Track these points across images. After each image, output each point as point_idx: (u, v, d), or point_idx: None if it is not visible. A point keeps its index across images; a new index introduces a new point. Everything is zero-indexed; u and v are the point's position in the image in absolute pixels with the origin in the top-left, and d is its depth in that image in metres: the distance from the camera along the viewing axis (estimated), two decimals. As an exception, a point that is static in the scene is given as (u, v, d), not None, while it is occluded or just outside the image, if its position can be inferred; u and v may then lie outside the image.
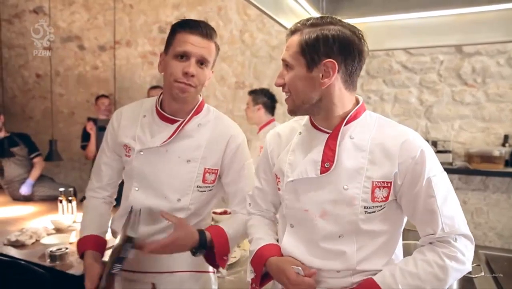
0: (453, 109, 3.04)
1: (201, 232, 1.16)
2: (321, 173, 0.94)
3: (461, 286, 1.36)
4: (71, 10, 4.47)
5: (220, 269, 1.53)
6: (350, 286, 0.96)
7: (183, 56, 1.12)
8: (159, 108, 1.23)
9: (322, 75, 0.91)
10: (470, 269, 0.93)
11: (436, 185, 0.91)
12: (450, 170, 2.86)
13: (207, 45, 1.14)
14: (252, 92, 2.94)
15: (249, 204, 1.18)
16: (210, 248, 1.17)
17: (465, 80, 2.99)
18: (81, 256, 1.23)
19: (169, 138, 1.18)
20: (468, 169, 2.83)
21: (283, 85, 0.97)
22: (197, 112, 1.23)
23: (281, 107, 3.19)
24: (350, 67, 0.93)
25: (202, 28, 1.14)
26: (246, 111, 2.96)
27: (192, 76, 1.12)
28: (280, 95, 3.54)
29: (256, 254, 1.07)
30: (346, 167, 0.93)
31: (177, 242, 1.12)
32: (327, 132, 0.97)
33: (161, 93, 1.24)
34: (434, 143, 2.98)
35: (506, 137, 2.88)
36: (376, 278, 0.93)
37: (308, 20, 0.94)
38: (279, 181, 1.05)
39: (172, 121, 1.21)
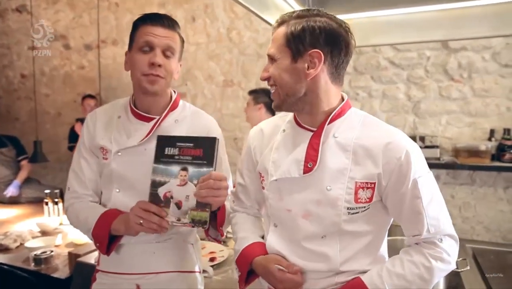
0: (440, 105, 3.06)
1: None
2: (304, 173, 0.93)
3: (448, 280, 1.36)
4: (55, 8, 4.39)
5: (208, 269, 1.52)
6: (335, 286, 0.96)
7: (147, 48, 1.11)
8: (133, 107, 1.21)
9: (308, 66, 0.90)
10: (454, 267, 0.94)
11: (422, 186, 0.90)
12: (438, 165, 2.88)
13: (171, 35, 1.14)
14: (253, 92, 2.90)
15: (233, 201, 1.17)
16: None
17: (451, 75, 3.01)
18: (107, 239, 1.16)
19: (146, 136, 1.16)
20: (455, 163, 2.85)
21: (268, 78, 0.96)
22: (173, 108, 1.22)
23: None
24: (337, 59, 0.91)
25: (163, 20, 1.13)
26: (246, 110, 2.91)
27: (159, 66, 1.11)
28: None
29: (241, 254, 1.06)
30: (329, 167, 0.92)
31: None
32: (311, 130, 0.96)
33: (133, 93, 1.23)
34: (422, 139, 2.99)
35: (492, 131, 2.91)
36: (364, 278, 0.93)
37: (294, 12, 0.93)
38: (263, 179, 1.04)
39: (148, 119, 1.19)
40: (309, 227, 0.95)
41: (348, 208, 0.91)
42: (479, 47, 2.91)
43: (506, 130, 2.83)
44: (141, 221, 1.05)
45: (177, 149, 1.05)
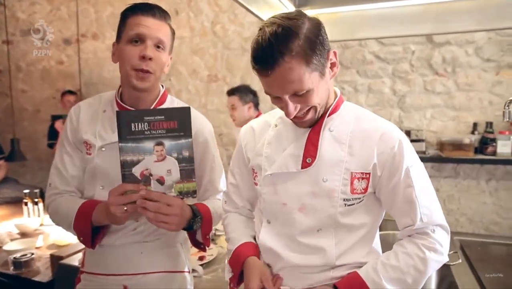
0: (425, 99, 3.09)
1: (190, 205, 1.11)
2: (302, 168, 0.93)
3: (439, 274, 1.37)
4: (30, 0, 4.22)
5: (197, 268, 1.49)
6: (330, 281, 0.95)
7: (138, 39, 1.06)
8: (119, 101, 1.16)
9: (331, 68, 0.89)
10: (448, 259, 0.95)
11: (414, 175, 0.91)
12: (423, 158, 2.90)
13: (162, 27, 1.09)
14: (236, 92, 2.74)
15: (225, 201, 1.16)
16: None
17: (436, 69, 3.04)
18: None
19: None
20: (440, 157, 2.89)
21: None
22: (161, 103, 1.18)
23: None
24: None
25: (155, 10, 1.08)
26: (233, 113, 2.75)
27: (150, 59, 1.06)
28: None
29: (233, 253, 1.05)
30: (325, 160, 0.92)
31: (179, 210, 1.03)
32: (307, 127, 0.95)
33: (120, 86, 1.18)
34: (407, 133, 3.02)
35: (475, 125, 2.96)
36: (360, 272, 0.93)
37: (279, 36, 0.79)
38: (256, 176, 1.03)
39: None
40: (305, 220, 0.94)
41: (344, 199, 0.92)
42: (463, 41, 2.94)
43: (489, 124, 2.88)
44: (125, 208, 0.99)
45: (146, 123, 0.98)
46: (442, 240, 0.93)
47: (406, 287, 0.90)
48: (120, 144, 0.99)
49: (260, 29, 0.83)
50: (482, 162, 2.89)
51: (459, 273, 1.44)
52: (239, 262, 1.02)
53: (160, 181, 1.01)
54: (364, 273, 0.92)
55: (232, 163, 1.14)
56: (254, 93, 2.80)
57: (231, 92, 2.79)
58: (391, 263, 0.91)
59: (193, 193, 1.03)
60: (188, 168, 1.02)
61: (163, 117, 0.99)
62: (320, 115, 0.93)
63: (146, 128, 0.98)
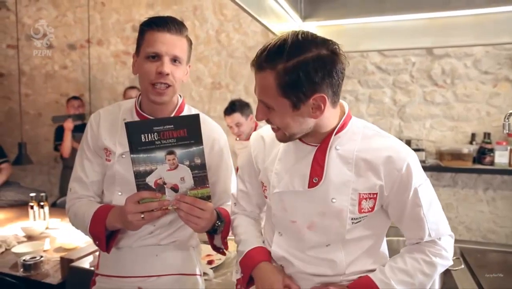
0: (425, 109, 3.16)
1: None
2: (309, 187, 0.94)
3: (442, 279, 1.41)
4: (37, 6, 4.27)
5: (208, 271, 1.52)
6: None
7: (155, 56, 1.09)
8: (139, 109, 1.20)
9: (312, 109, 0.86)
10: (452, 263, 1.00)
11: (422, 194, 0.93)
12: (423, 168, 2.96)
13: (178, 42, 1.11)
14: (236, 109, 2.70)
15: (234, 203, 1.18)
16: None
17: (435, 81, 3.11)
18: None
19: None
20: (439, 166, 2.95)
21: (266, 120, 0.93)
22: (179, 112, 1.22)
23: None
24: (336, 87, 0.88)
25: (170, 25, 1.10)
26: (239, 130, 2.72)
27: (167, 75, 1.09)
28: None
29: (246, 255, 1.07)
30: (333, 180, 0.92)
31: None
32: (314, 145, 0.96)
33: (140, 94, 1.22)
34: (407, 142, 3.08)
35: (473, 135, 3.03)
36: (370, 275, 0.97)
37: (278, 49, 0.83)
38: (265, 189, 1.05)
39: None
40: (314, 237, 0.97)
41: (352, 218, 0.94)
42: (461, 54, 3.03)
43: (487, 134, 2.95)
44: (142, 216, 1.02)
45: (156, 133, 0.98)
46: (447, 247, 0.97)
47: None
48: (132, 156, 0.99)
49: (281, 36, 0.86)
50: (480, 171, 2.96)
51: (461, 279, 1.49)
52: (251, 265, 1.04)
53: (175, 189, 1.02)
54: (373, 275, 0.96)
55: (242, 170, 1.15)
56: (248, 104, 2.81)
57: (231, 111, 2.72)
58: (398, 266, 0.95)
59: (207, 198, 1.04)
60: (201, 174, 1.02)
61: (172, 126, 0.99)
62: (290, 138, 0.93)
63: (156, 138, 0.98)
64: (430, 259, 0.95)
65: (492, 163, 2.88)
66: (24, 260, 1.81)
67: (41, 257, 1.84)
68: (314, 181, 0.92)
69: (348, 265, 0.97)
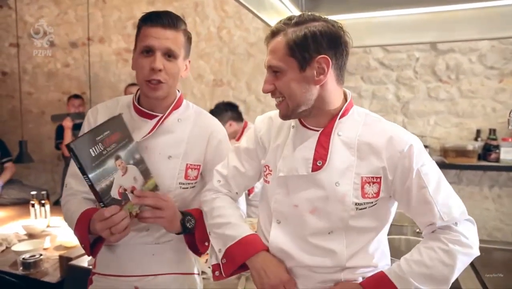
0: (429, 105, 3.12)
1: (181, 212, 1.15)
2: (312, 171, 0.94)
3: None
4: (39, 4, 4.27)
5: (207, 270, 1.50)
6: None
7: (148, 51, 1.08)
8: (136, 104, 1.19)
9: (317, 73, 0.90)
10: (478, 254, 0.92)
11: (426, 175, 0.91)
12: (426, 165, 2.94)
13: (171, 36, 1.09)
14: (213, 114, 2.69)
15: (218, 181, 1.12)
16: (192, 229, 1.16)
17: (439, 76, 3.07)
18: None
19: (149, 133, 1.14)
20: (444, 163, 2.91)
21: (272, 91, 0.95)
22: (176, 107, 1.21)
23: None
24: (340, 61, 0.93)
25: (164, 19, 1.08)
26: None
27: (160, 70, 1.08)
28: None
29: (241, 242, 1.02)
30: (336, 164, 0.93)
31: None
32: (316, 130, 0.97)
33: (138, 89, 1.21)
34: (411, 139, 3.04)
35: (478, 132, 2.98)
36: (385, 271, 0.93)
37: (289, 19, 0.91)
38: (269, 173, 1.03)
39: (151, 117, 1.17)
40: (316, 222, 0.95)
41: (356, 204, 0.92)
42: (466, 49, 2.98)
43: (492, 131, 2.91)
44: (111, 231, 1.00)
45: (100, 144, 0.98)
46: (466, 232, 0.90)
47: (435, 283, 0.88)
48: (90, 175, 0.95)
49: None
50: (485, 168, 2.91)
51: (463, 277, 1.46)
52: (249, 252, 1.00)
53: (133, 191, 1.04)
54: (387, 270, 0.93)
55: (240, 149, 1.12)
56: (231, 108, 2.72)
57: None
58: (413, 258, 0.90)
59: (156, 188, 1.10)
60: (144, 167, 1.09)
61: (108, 132, 1.00)
62: (293, 112, 0.94)
63: (102, 149, 0.98)
64: (448, 247, 0.88)
65: (497, 159, 2.84)
66: (23, 259, 1.81)
67: (41, 255, 1.84)
68: (318, 164, 0.93)
69: (349, 258, 0.95)
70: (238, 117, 2.75)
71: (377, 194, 0.93)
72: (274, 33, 0.92)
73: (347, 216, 0.93)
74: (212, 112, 2.64)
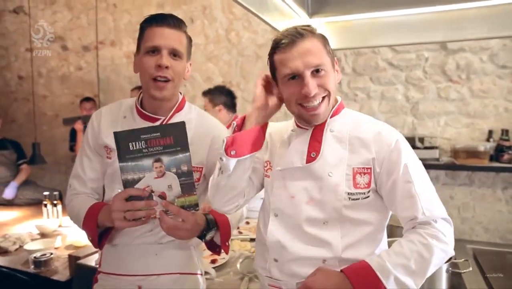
0: (439, 106, 3.07)
1: (204, 214, 1.15)
2: (307, 162, 1.00)
3: (450, 281, 1.36)
4: (52, 9, 4.38)
5: (210, 270, 1.52)
6: None
7: (154, 50, 1.11)
8: (139, 107, 1.21)
9: (335, 70, 1.01)
10: (453, 253, 0.96)
11: (412, 170, 0.96)
12: (437, 166, 2.90)
13: (176, 36, 1.13)
14: (208, 93, 2.68)
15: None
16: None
17: (449, 76, 3.02)
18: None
19: None
20: (454, 164, 2.86)
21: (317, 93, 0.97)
22: (179, 109, 1.22)
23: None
24: None
25: (169, 19, 1.12)
26: None
27: (166, 68, 1.10)
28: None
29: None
30: (329, 156, 0.99)
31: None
32: (310, 128, 1.03)
33: (141, 92, 1.23)
34: (421, 140, 3.00)
35: (490, 132, 2.92)
36: (367, 260, 0.94)
37: (300, 28, 0.98)
38: (269, 168, 1.08)
39: (153, 120, 1.19)
40: (312, 212, 0.99)
41: (348, 193, 0.97)
42: (477, 48, 2.92)
43: (504, 131, 2.84)
44: (124, 215, 1.02)
45: (143, 141, 1.00)
46: (444, 230, 0.94)
47: (413, 275, 0.90)
48: (120, 164, 1.00)
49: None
50: (498, 169, 2.85)
51: (471, 281, 1.43)
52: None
53: (162, 197, 1.03)
54: (369, 259, 0.94)
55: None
56: (228, 94, 2.70)
57: (204, 93, 2.71)
58: (394, 250, 0.93)
59: (195, 206, 1.05)
60: (188, 181, 1.04)
61: (158, 134, 1.00)
62: (330, 111, 1.01)
63: (143, 147, 1.00)
64: (426, 241, 0.91)
65: (510, 160, 2.77)
66: (35, 257, 1.85)
67: (51, 254, 1.88)
68: (312, 155, 0.99)
69: (345, 249, 0.97)
70: (231, 106, 2.72)
71: (368, 184, 0.98)
72: (301, 34, 0.95)
73: (340, 205, 0.97)
74: (209, 90, 2.69)
